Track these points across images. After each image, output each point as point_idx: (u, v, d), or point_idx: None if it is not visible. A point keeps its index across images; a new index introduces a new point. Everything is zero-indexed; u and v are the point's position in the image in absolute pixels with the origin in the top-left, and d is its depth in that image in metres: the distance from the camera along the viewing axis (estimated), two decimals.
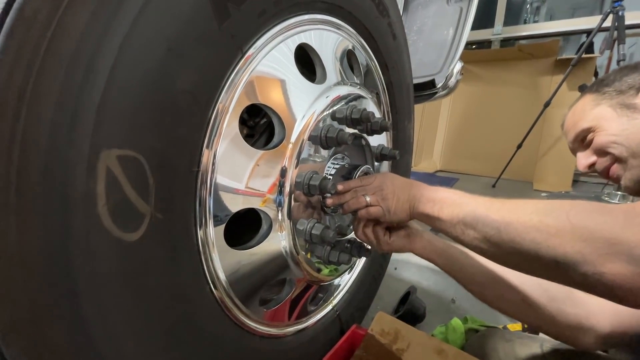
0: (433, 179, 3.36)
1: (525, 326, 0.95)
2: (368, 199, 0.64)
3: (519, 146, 2.92)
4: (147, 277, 0.40)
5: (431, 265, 1.05)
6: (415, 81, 1.60)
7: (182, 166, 0.42)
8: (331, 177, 0.67)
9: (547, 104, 2.77)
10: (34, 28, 0.29)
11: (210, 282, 0.50)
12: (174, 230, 0.42)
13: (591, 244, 0.37)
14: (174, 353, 0.45)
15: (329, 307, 0.88)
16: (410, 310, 1.08)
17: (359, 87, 0.77)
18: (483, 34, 3.74)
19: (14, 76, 0.28)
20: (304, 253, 0.65)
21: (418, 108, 3.56)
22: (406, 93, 1.05)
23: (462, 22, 1.74)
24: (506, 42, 3.72)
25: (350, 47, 0.75)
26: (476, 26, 3.66)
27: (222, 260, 0.51)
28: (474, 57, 3.45)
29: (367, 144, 0.80)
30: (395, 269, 1.52)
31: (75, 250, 0.33)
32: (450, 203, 0.55)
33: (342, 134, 0.60)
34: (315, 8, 0.62)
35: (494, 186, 3.06)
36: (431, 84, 1.54)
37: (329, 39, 0.68)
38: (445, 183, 3.15)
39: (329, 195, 0.65)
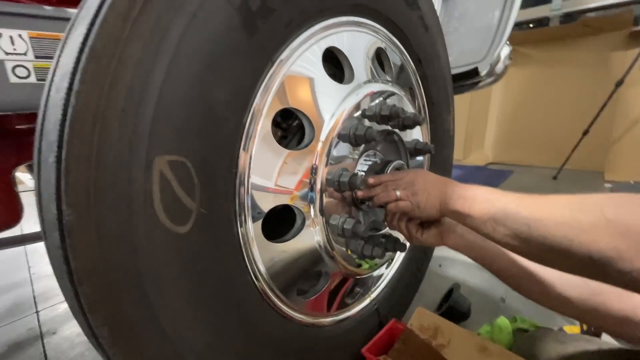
0: (483, 172, 3.16)
1: (585, 328, 0.87)
2: (398, 193, 0.64)
3: (585, 132, 2.62)
4: (196, 263, 0.46)
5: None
6: (456, 70, 1.54)
7: (222, 167, 0.48)
8: (362, 174, 0.69)
9: (619, 83, 2.45)
10: (102, 62, 0.36)
11: (250, 271, 0.55)
12: (217, 224, 0.48)
13: (628, 240, 0.34)
14: (219, 331, 0.51)
15: (368, 300, 0.90)
16: (453, 307, 1.05)
17: (390, 83, 0.78)
18: (539, 12, 3.40)
19: (90, 101, 0.36)
20: (338, 247, 0.68)
21: (466, 96, 3.37)
22: (443, 84, 1.02)
23: (510, 2, 1.62)
24: (567, 17, 3.34)
25: (379, 45, 0.76)
26: (531, 3, 3.35)
27: (260, 252, 0.56)
28: (529, 38, 3.17)
29: (400, 139, 0.81)
30: (440, 266, 1.47)
31: (138, 239, 0.40)
32: (481, 200, 0.54)
33: (370, 132, 0.62)
34: (340, 11, 0.64)
35: (555, 178, 2.79)
36: (474, 72, 1.46)
37: (356, 39, 0.70)
38: (498, 176, 2.95)
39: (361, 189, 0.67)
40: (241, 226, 0.52)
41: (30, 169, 1.41)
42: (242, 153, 0.50)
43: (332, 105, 0.63)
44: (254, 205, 0.53)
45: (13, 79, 0.85)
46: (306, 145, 0.60)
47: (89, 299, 0.37)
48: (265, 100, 0.53)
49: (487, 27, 1.64)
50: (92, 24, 0.36)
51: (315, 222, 0.63)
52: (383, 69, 0.81)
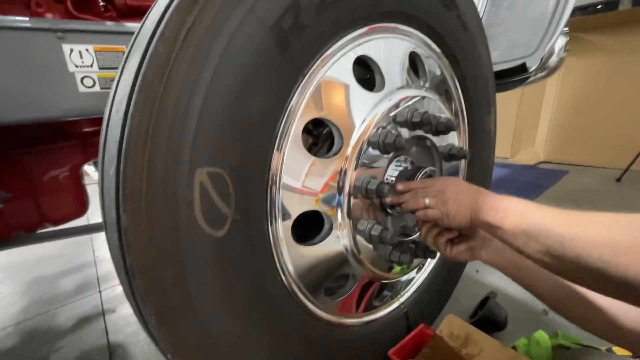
0: (534, 172, 2.93)
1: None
2: (427, 201, 0.64)
3: None
4: (231, 263, 0.51)
5: None
6: (502, 66, 1.45)
7: (256, 178, 0.52)
8: (392, 180, 0.70)
9: None
10: (152, 87, 0.41)
11: (280, 271, 0.59)
12: (250, 228, 0.52)
13: None
14: (250, 324, 0.56)
15: (396, 304, 0.90)
16: (487, 316, 1.02)
17: (423, 88, 0.77)
18: None
19: (142, 121, 0.41)
20: (365, 251, 0.70)
21: (517, 90, 3.13)
22: (483, 84, 0.98)
23: None
24: None
25: (412, 49, 0.75)
26: None
27: (290, 253, 0.59)
28: (591, 23, 2.85)
29: (433, 144, 0.79)
30: (477, 271, 1.42)
31: (182, 241, 0.45)
32: (514, 212, 0.52)
33: (399, 140, 0.62)
34: (372, 19, 0.65)
35: (619, 180, 2.51)
36: (521, 68, 1.36)
37: (388, 45, 0.69)
38: (551, 177, 2.72)
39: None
40: (272, 230, 0.56)
41: (96, 164, 1.58)
42: (273, 163, 0.54)
43: (361, 113, 0.64)
44: (284, 211, 0.57)
45: (82, 89, 0.97)
46: (335, 153, 0.61)
47: (141, 290, 0.43)
48: (297, 111, 0.55)
49: (540, 16, 1.51)
50: (145, 53, 0.41)
51: (343, 227, 0.65)
52: (417, 73, 0.79)
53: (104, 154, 0.44)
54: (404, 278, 0.90)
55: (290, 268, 0.60)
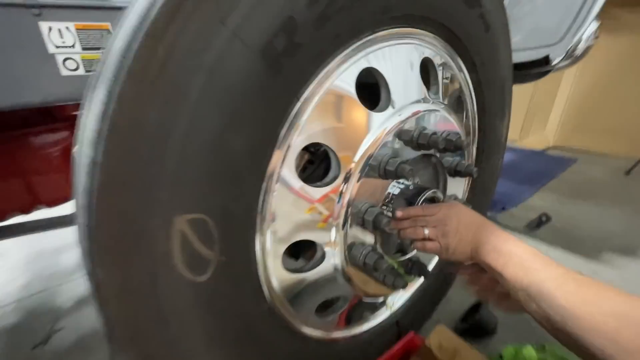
0: (541, 158, 2.85)
1: None
2: (427, 231, 0.61)
3: None
4: (216, 303, 0.49)
5: None
6: (521, 57, 1.32)
7: (244, 217, 0.48)
8: (390, 207, 0.65)
9: None
10: (121, 131, 0.36)
11: (268, 301, 0.57)
12: (237, 267, 0.49)
13: None
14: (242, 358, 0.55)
15: (389, 313, 0.90)
16: (478, 323, 1.03)
17: (433, 101, 0.70)
18: None
19: (113, 171, 0.36)
20: (358, 276, 0.68)
21: None
22: (499, 89, 0.89)
23: None
24: None
25: (425, 56, 0.67)
26: None
27: (280, 283, 0.57)
28: None
29: (439, 161, 0.74)
30: None
31: (161, 290, 0.42)
32: (517, 262, 0.48)
33: (402, 168, 0.57)
34: (381, 25, 0.56)
35: (628, 173, 2.44)
36: (543, 60, 1.25)
37: (396, 54, 0.61)
38: (558, 165, 2.65)
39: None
40: (261, 265, 0.53)
41: None
42: (264, 200, 0.49)
43: (363, 134, 0.58)
44: (274, 244, 0.53)
45: (64, 72, 0.89)
46: (331, 181, 0.57)
47: (122, 341, 0.42)
48: (290, 138, 0.50)
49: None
50: (110, 92, 0.35)
51: (337, 254, 0.62)
52: (428, 83, 0.72)
53: (76, 204, 0.39)
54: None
55: (282, 298, 0.58)
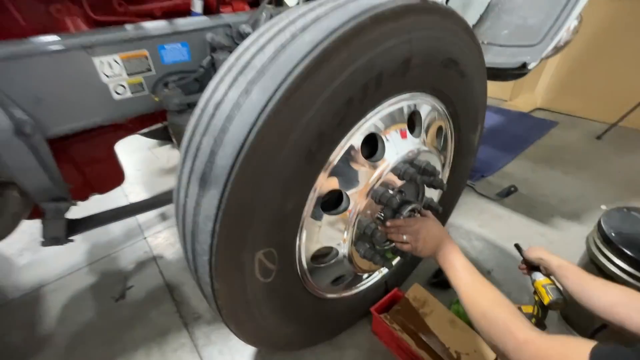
0: (526, 122, 3.06)
1: (535, 313, 1.18)
2: (405, 237, 0.91)
3: None
4: (278, 293, 0.81)
5: (483, 234, 1.33)
6: (501, 62, 1.48)
7: (289, 245, 0.77)
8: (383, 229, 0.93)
9: None
10: (230, 213, 0.62)
11: (305, 282, 0.89)
12: (286, 271, 0.80)
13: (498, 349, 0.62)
14: (285, 319, 0.89)
15: (380, 276, 1.26)
16: (439, 281, 1.41)
17: (416, 142, 0.93)
18: None
19: (227, 235, 0.64)
20: (361, 261, 1.00)
21: None
22: (473, 113, 1.12)
23: None
24: None
25: (413, 109, 0.89)
26: None
27: (310, 273, 0.89)
28: None
29: (421, 181, 1.01)
30: None
31: (249, 287, 0.73)
32: (453, 269, 0.79)
33: (393, 200, 0.84)
34: (385, 100, 0.78)
35: (599, 137, 2.70)
36: (521, 66, 1.41)
37: (389, 114, 0.84)
38: (539, 129, 2.88)
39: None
40: (299, 266, 0.84)
41: None
42: (298, 238, 0.78)
43: (365, 179, 0.84)
44: (306, 254, 0.83)
45: (116, 97, 1.12)
46: (343, 210, 0.85)
47: (227, 319, 0.74)
48: (315, 195, 0.76)
49: None
50: (222, 190, 0.61)
51: (347, 252, 0.93)
52: (413, 128, 0.95)
53: (193, 250, 0.67)
54: None
55: (312, 281, 0.91)
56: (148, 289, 1.52)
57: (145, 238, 1.82)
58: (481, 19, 1.72)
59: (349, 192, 0.83)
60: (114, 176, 1.41)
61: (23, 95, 0.92)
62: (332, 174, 0.77)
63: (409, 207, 0.96)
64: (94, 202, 1.34)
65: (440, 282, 1.42)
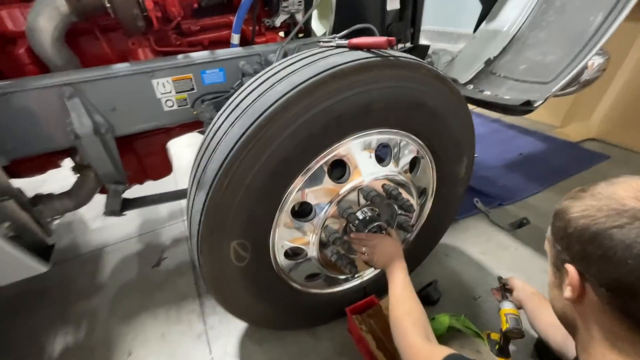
0: (571, 150, 2.87)
1: (499, 340, 1.23)
2: (364, 249, 1.07)
3: None
4: (251, 275, 1.03)
5: (483, 262, 1.62)
6: (507, 96, 1.51)
7: (262, 240, 0.99)
8: (353, 226, 1.10)
9: None
10: (211, 212, 0.87)
11: (279, 273, 1.11)
12: (259, 259, 1.02)
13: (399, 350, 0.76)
14: (259, 298, 1.12)
15: (359, 281, 1.42)
16: (423, 296, 1.50)
17: (386, 170, 1.09)
18: None
19: (210, 227, 0.88)
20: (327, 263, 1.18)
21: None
22: (454, 146, 1.22)
23: (621, 6, 1.38)
24: None
25: (381, 142, 1.05)
26: None
27: (283, 265, 1.10)
28: None
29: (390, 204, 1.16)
30: (447, 255, 1.83)
31: (225, 269, 0.97)
32: (392, 283, 0.95)
33: (351, 217, 1.02)
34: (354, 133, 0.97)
35: None
36: (526, 103, 1.44)
37: (356, 147, 1.01)
38: (585, 161, 2.68)
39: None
40: (272, 257, 1.06)
41: None
42: (271, 232, 1.00)
43: (331, 196, 1.03)
44: (280, 248, 1.05)
45: (165, 109, 1.44)
46: (313, 218, 1.04)
47: (209, 287, 0.99)
48: (285, 205, 0.97)
49: (579, 34, 1.47)
50: (207, 192, 0.85)
51: (314, 250, 1.12)
52: (382, 159, 1.10)
53: (191, 230, 0.93)
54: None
55: (286, 273, 1.12)
56: (178, 262, 1.87)
57: (183, 220, 2.20)
58: (503, 51, 1.75)
59: (315, 205, 1.03)
60: (164, 168, 1.78)
61: (103, 105, 1.27)
62: (302, 188, 0.97)
63: (374, 224, 1.11)
64: (149, 186, 1.69)
65: (422, 297, 1.52)
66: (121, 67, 1.26)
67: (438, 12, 2.79)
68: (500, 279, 1.30)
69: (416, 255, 1.54)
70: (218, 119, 0.93)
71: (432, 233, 1.50)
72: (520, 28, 1.72)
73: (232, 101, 0.92)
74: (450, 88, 1.06)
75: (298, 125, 0.84)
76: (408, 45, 1.73)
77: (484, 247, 1.88)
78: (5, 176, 1.11)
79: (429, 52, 1.85)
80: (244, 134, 0.81)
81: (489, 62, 1.76)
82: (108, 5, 1.11)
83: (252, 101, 0.84)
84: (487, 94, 1.64)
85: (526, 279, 1.25)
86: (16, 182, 1.19)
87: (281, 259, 1.08)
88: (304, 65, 0.86)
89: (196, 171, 0.92)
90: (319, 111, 0.85)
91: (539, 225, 2.01)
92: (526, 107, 1.45)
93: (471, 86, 1.74)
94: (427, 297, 1.51)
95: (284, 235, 1.03)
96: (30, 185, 1.35)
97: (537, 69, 1.55)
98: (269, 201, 0.93)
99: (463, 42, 2.05)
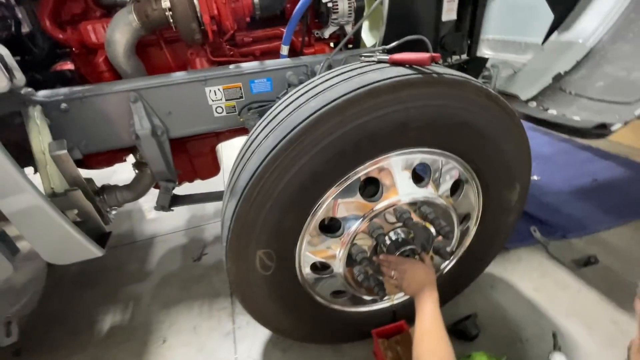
0: (631, 168, 2.46)
1: None
2: (393, 273, 1.01)
3: None
4: (276, 285, 1.04)
5: (534, 300, 1.45)
6: (576, 117, 1.34)
7: (288, 251, 0.99)
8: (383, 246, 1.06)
9: None
10: (240, 222, 0.89)
11: (304, 285, 1.10)
12: (284, 270, 1.03)
13: None
14: (282, 308, 1.12)
15: (389, 304, 1.35)
16: (460, 330, 1.37)
17: (423, 192, 1.02)
18: None
19: (237, 233, 0.91)
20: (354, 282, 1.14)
21: None
22: (504, 171, 1.11)
23: None
24: None
25: (419, 162, 0.99)
26: None
27: (308, 278, 1.09)
28: None
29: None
30: (492, 287, 1.66)
31: (252, 277, 0.99)
32: (421, 314, 0.88)
33: (380, 238, 0.97)
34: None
35: None
36: (600, 126, 1.25)
37: (395, 164, 0.97)
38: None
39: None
40: (298, 269, 1.05)
41: None
42: (297, 247, 0.99)
43: (363, 212, 0.99)
44: (305, 260, 1.04)
45: (215, 115, 1.52)
46: (339, 235, 1.02)
47: (235, 291, 1.02)
48: (315, 217, 0.96)
49: None
50: (237, 201, 0.88)
51: (341, 271, 1.09)
52: (421, 178, 1.04)
53: (222, 234, 0.97)
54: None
55: (311, 287, 1.11)
56: (216, 258, 1.97)
57: None
58: (577, 65, 1.56)
59: (345, 221, 1.00)
60: (212, 168, 1.89)
61: (161, 109, 1.39)
62: (332, 203, 0.95)
63: (406, 248, 1.05)
64: (199, 185, 1.81)
65: (458, 331, 1.39)
66: (178, 75, 1.37)
67: (505, 19, 2.58)
68: (554, 335, 1.13)
69: (454, 285, 1.42)
70: (256, 129, 0.96)
71: (475, 262, 1.38)
72: (600, 40, 1.51)
73: (270, 113, 0.94)
74: (503, 107, 0.97)
75: (329, 141, 0.83)
76: (464, 57, 1.62)
77: (537, 283, 1.67)
78: (77, 169, 1.26)
79: (488, 64, 1.72)
80: (275, 147, 0.82)
81: (558, 78, 1.57)
82: (171, 20, 1.21)
83: (287, 115, 0.85)
84: (553, 113, 1.46)
85: (587, 329, 1.07)
86: (89, 173, 1.35)
87: (307, 272, 1.07)
88: (340, 81, 0.85)
89: (231, 178, 0.96)
90: (350, 128, 0.83)
91: (610, 266, 1.73)
92: (600, 130, 1.27)
93: (534, 103, 1.57)
94: (464, 331, 1.38)
95: (311, 249, 1.02)
96: (102, 174, 1.52)
97: (618, 87, 1.35)
98: (297, 214, 0.93)
99: (532, 53, 1.86)
